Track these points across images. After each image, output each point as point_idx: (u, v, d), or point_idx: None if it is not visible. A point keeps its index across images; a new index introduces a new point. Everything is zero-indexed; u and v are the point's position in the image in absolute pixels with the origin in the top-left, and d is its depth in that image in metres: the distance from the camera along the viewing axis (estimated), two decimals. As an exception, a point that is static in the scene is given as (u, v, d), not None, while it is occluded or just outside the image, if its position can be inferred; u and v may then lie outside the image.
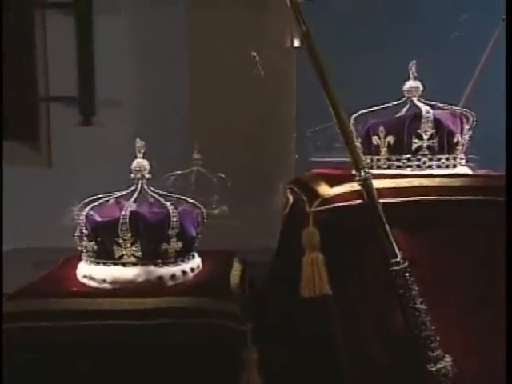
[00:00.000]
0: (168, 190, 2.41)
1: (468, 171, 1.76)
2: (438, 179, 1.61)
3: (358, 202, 1.55)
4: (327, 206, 1.57)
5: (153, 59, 3.04)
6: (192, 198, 1.91)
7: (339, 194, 1.58)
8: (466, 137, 1.76)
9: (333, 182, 1.63)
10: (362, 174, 1.53)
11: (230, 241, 2.31)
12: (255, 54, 2.57)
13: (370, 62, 2.88)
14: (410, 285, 1.53)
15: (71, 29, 3.07)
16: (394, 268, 1.52)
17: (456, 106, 1.99)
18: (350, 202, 1.57)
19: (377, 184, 1.57)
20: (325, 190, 1.60)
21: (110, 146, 3.00)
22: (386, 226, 1.52)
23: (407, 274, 1.52)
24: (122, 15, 3.05)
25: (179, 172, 2.52)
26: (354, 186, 1.56)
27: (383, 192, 1.57)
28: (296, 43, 3.51)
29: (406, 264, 1.53)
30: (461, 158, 1.75)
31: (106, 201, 1.79)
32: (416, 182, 1.61)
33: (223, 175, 2.58)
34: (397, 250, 1.53)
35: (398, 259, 1.52)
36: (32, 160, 3.10)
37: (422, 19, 2.79)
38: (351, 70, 2.98)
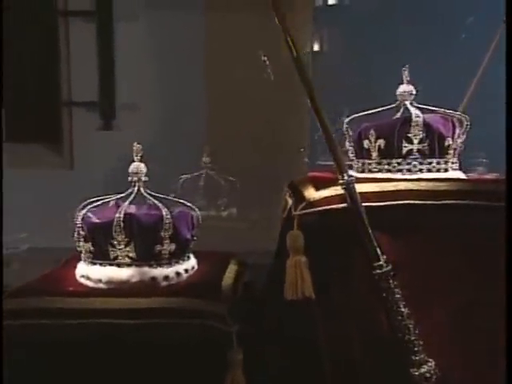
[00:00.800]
0: (177, 192, 2.48)
1: (461, 175, 1.75)
2: (424, 183, 1.61)
3: (342, 205, 1.57)
4: (312, 210, 1.60)
5: (170, 64, 3.11)
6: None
7: (324, 198, 1.60)
8: (459, 141, 1.74)
9: (320, 185, 1.64)
10: (345, 177, 1.55)
11: (236, 242, 2.35)
12: (265, 58, 2.60)
13: (386, 64, 2.89)
14: (393, 288, 1.53)
15: (93, 36, 3.16)
16: (377, 271, 1.53)
17: (456, 108, 1.99)
18: (334, 206, 1.58)
19: (362, 188, 1.59)
20: (310, 193, 1.63)
21: (130, 149, 3.08)
22: (369, 229, 1.53)
23: (390, 278, 1.53)
24: (140, 23, 3.13)
25: (188, 176, 2.57)
26: (339, 190, 1.58)
27: (368, 196, 1.58)
28: (315, 47, 3.53)
29: (389, 267, 1.54)
30: (453, 162, 1.73)
31: (107, 202, 1.84)
32: (402, 185, 1.61)
33: (232, 178, 2.62)
34: (380, 254, 1.54)
35: (381, 263, 1.53)
36: (54, 162, 3.21)
37: (435, 21, 2.78)
38: (369, 70, 3.00)
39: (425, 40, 2.78)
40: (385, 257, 1.54)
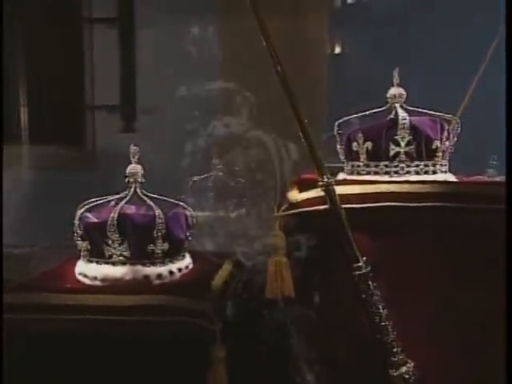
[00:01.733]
0: (187, 193, 2.52)
1: (449, 177, 1.74)
2: (407, 185, 1.61)
3: (323, 207, 1.58)
4: (294, 211, 1.62)
5: (188, 68, 3.17)
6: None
7: (306, 199, 1.63)
8: (447, 143, 1.73)
9: (304, 187, 1.67)
10: (325, 179, 1.56)
11: (241, 243, 2.38)
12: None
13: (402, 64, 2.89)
14: (372, 290, 1.54)
15: (115, 42, 3.27)
16: (357, 273, 1.54)
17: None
18: (316, 208, 1.60)
19: (344, 190, 1.60)
20: (293, 195, 1.66)
21: (150, 151, 3.16)
22: (348, 231, 1.54)
23: (369, 279, 1.54)
24: (160, 29, 3.21)
25: (196, 177, 2.60)
26: (320, 192, 1.59)
27: (350, 198, 1.60)
28: (337, 50, 3.54)
29: (368, 269, 1.54)
30: (441, 165, 1.73)
31: (107, 202, 1.91)
32: (384, 188, 1.61)
33: (241, 179, 2.64)
34: (359, 255, 1.54)
35: (361, 264, 1.54)
36: (77, 164, 3.31)
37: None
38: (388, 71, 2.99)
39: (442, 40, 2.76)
40: (364, 258, 1.55)
